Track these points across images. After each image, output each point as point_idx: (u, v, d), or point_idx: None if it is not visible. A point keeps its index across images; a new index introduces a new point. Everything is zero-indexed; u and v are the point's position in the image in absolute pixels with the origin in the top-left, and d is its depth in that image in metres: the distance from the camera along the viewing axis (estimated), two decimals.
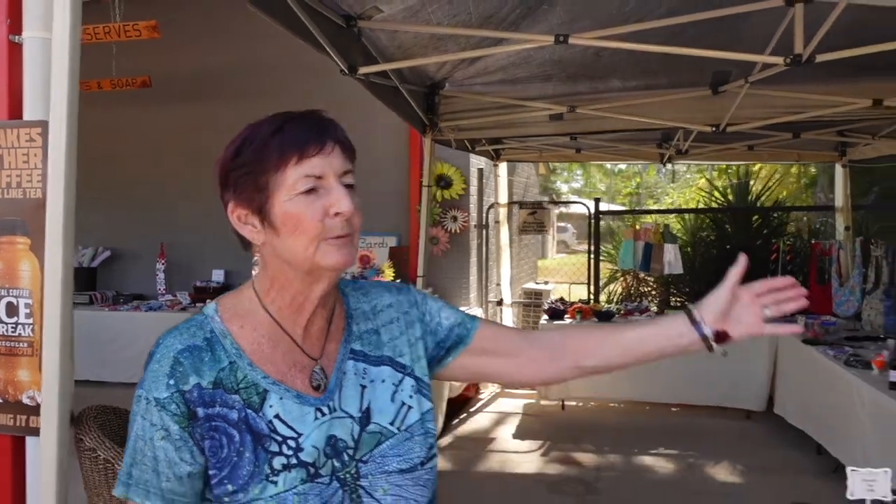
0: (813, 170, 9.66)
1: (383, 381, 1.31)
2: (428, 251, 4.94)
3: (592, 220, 8.19)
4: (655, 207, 16.97)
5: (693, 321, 1.41)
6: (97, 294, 8.84)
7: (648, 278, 8.65)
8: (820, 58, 2.88)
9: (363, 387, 1.29)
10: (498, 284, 8.51)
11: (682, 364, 6.96)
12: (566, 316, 7.60)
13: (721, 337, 1.39)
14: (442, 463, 5.91)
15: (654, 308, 8.16)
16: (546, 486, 5.44)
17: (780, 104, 4.47)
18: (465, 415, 7.42)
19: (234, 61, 8.40)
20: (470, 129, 4.98)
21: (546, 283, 10.54)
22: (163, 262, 8.86)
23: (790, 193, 11.01)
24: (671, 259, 7.80)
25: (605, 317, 7.44)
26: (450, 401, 7.17)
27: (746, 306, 1.39)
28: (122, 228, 9.32)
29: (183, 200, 8.99)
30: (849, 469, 1.73)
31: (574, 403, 7.74)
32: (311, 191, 1.20)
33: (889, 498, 1.70)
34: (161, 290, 8.80)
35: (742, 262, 1.41)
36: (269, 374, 1.23)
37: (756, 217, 8.12)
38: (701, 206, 9.37)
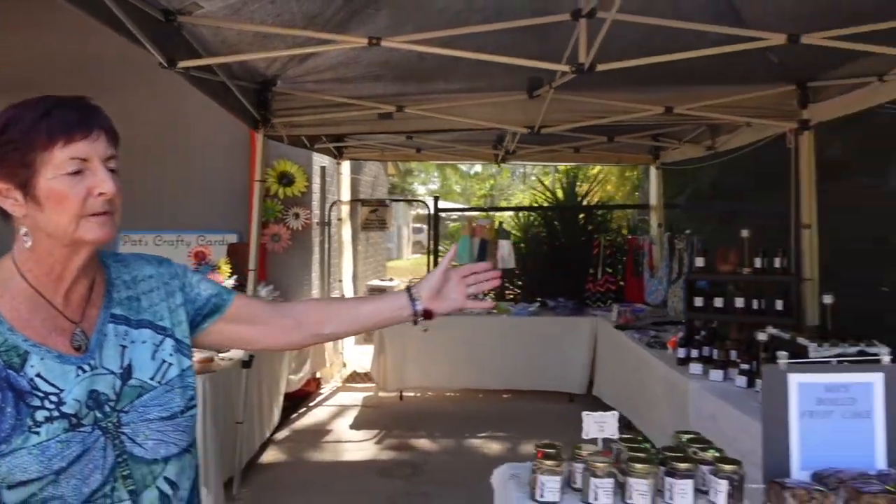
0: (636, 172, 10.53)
1: (144, 341, 1.47)
2: (257, 245, 4.99)
3: (432, 218, 8.51)
4: (504, 206, 17.65)
5: (411, 298, 1.71)
6: None
7: None
8: (601, 67, 3.26)
9: (124, 346, 1.44)
10: (340, 281, 8.64)
11: (513, 353, 7.48)
12: None
13: (427, 314, 1.73)
14: (276, 455, 6.05)
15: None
16: (377, 470, 5.67)
17: (587, 109, 4.93)
18: (304, 409, 7.50)
19: (67, 53, 8.01)
20: (303, 125, 5.10)
21: (391, 279, 10.78)
22: None
23: (624, 194, 11.93)
24: (505, 255, 8.26)
25: None
26: (289, 395, 7.23)
27: (455, 286, 1.71)
28: None
29: None
30: (584, 413, 2.04)
31: (412, 394, 8.03)
32: (76, 172, 1.33)
33: (616, 436, 2.02)
34: None
35: (453, 249, 1.74)
36: (30, 338, 1.36)
37: (581, 214, 8.77)
38: (536, 204, 9.93)
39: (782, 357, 2.17)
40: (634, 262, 7.98)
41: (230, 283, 6.61)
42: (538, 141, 7.07)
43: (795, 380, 2.15)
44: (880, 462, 2.13)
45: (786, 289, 4.91)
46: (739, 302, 5.09)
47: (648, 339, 5.92)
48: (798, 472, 2.12)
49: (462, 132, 6.76)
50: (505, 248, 8.25)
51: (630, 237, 8.04)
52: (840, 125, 4.70)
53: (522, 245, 8.98)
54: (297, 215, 8.19)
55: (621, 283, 8.11)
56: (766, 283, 5.05)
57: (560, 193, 9.27)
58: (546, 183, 9.87)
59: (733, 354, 4.68)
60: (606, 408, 6.71)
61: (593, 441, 2.04)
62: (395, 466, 5.80)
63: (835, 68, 4.40)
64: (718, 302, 5.23)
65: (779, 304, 4.91)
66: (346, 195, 8.56)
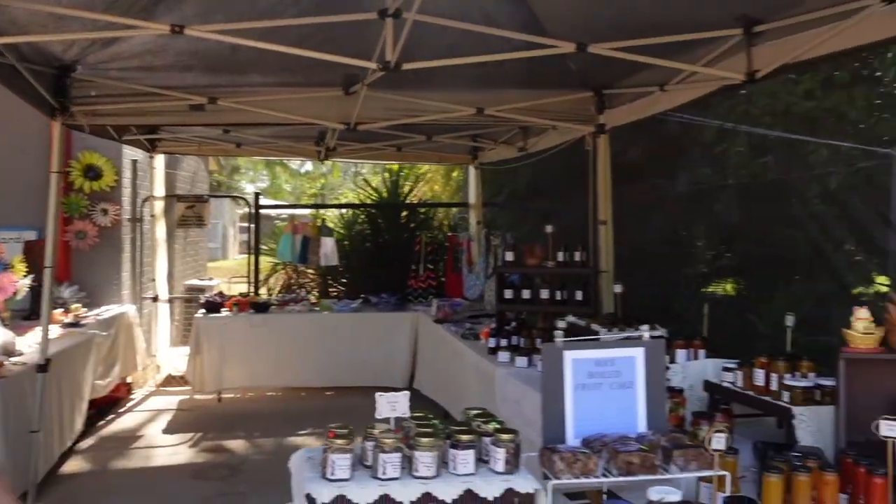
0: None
1: None
2: (55, 242, 4.68)
3: (253, 215, 8.34)
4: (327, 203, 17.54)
5: None
6: None
7: (308, 270, 9.04)
8: (408, 66, 3.39)
9: None
10: (153, 280, 8.24)
11: (336, 350, 7.50)
12: (223, 309, 7.66)
13: None
14: (79, 465, 5.71)
15: (312, 298, 8.57)
16: (191, 473, 5.50)
17: (402, 107, 5.06)
18: (112, 416, 7.10)
19: None
20: (106, 115, 4.84)
21: (210, 279, 10.43)
22: None
23: (450, 193, 12.24)
24: (328, 252, 8.27)
25: (261, 308, 7.64)
26: (95, 402, 6.81)
27: None
28: None
29: None
30: (377, 395, 2.13)
31: (232, 395, 7.83)
32: None
33: (407, 414, 2.13)
34: None
35: None
36: None
37: (405, 212, 8.95)
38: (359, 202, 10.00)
39: (558, 336, 2.37)
40: (454, 259, 8.26)
41: (26, 282, 6.14)
42: (359, 138, 7.13)
43: (570, 356, 2.36)
44: (641, 426, 2.39)
45: (585, 280, 5.31)
46: (545, 293, 5.44)
47: (464, 331, 6.16)
48: (572, 439, 2.34)
49: (283, 128, 6.69)
50: (328, 246, 8.26)
51: (450, 234, 8.31)
52: (632, 130, 5.14)
53: (346, 242, 9.01)
54: (105, 211, 7.73)
55: (442, 279, 8.36)
56: (567, 276, 5.43)
57: (384, 192, 9.39)
58: (375, 182, 9.99)
59: (539, 342, 5.00)
60: (427, 401, 6.99)
61: (387, 420, 2.13)
62: (210, 469, 5.64)
63: (625, 78, 4.81)
64: (526, 294, 5.56)
65: (579, 295, 5.30)
66: (160, 190, 8.18)
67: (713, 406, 2.93)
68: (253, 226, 8.48)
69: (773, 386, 2.86)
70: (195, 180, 12.34)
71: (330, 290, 9.03)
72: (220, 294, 8.25)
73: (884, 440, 2.14)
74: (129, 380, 7.88)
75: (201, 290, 9.41)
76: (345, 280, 8.93)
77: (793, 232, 4.94)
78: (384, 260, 8.67)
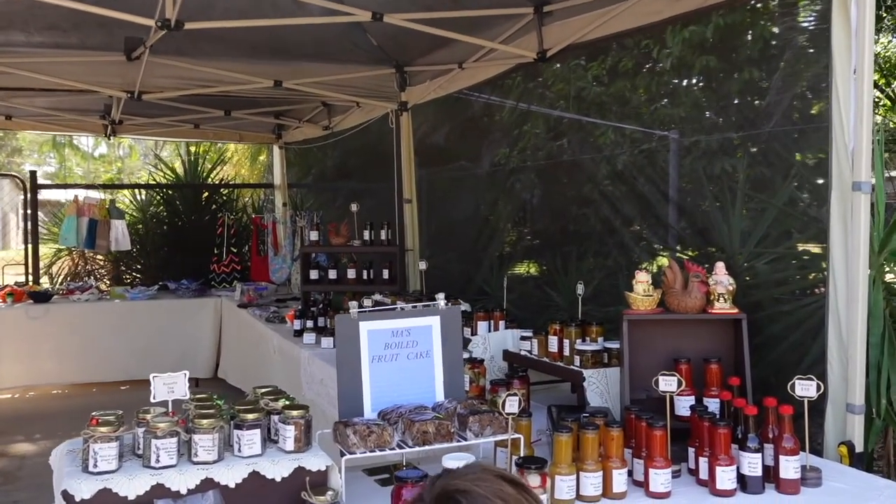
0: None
1: None
2: None
3: (29, 199, 7.51)
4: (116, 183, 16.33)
5: None
6: None
7: (98, 256, 8.31)
8: (191, 25, 3.14)
9: None
10: None
11: (131, 341, 6.95)
12: None
13: None
14: None
15: (103, 287, 7.89)
16: None
17: (193, 76, 4.73)
18: None
19: None
20: None
21: None
22: None
23: (259, 176, 11.73)
24: (119, 236, 7.63)
25: (42, 297, 6.91)
26: None
27: None
28: None
29: None
30: (151, 376, 1.93)
31: (8, 395, 7.03)
32: None
33: (186, 396, 1.96)
34: None
35: None
36: None
37: (206, 194, 8.45)
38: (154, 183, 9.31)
39: (353, 307, 2.29)
40: (259, 242, 7.94)
41: None
42: (148, 112, 6.62)
43: (365, 327, 2.29)
44: (439, 395, 2.37)
45: (391, 259, 5.28)
46: (352, 273, 5.35)
47: (269, 315, 5.93)
48: (370, 412, 2.27)
49: (62, 98, 6.04)
50: (119, 229, 7.62)
51: (254, 217, 7.97)
52: (437, 109, 5.16)
53: (141, 226, 8.37)
54: None
55: (248, 263, 8.01)
56: (374, 255, 5.38)
57: (180, 171, 8.81)
58: (174, 163, 9.34)
59: None
60: (233, 389, 6.66)
61: (164, 404, 1.94)
62: None
63: (426, 54, 4.81)
64: (333, 274, 5.45)
65: (385, 274, 5.26)
66: None
67: (512, 374, 2.98)
68: (30, 210, 7.62)
69: (566, 352, 2.96)
70: None
71: (125, 277, 8.34)
72: None
73: (662, 395, 2.26)
74: None
75: None
76: (140, 266, 8.29)
77: (586, 210, 5.16)
78: (184, 244, 8.14)
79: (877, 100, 6.68)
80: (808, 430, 2.18)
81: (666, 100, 4.98)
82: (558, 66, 4.16)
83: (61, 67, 4.44)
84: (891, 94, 7.04)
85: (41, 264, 8.05)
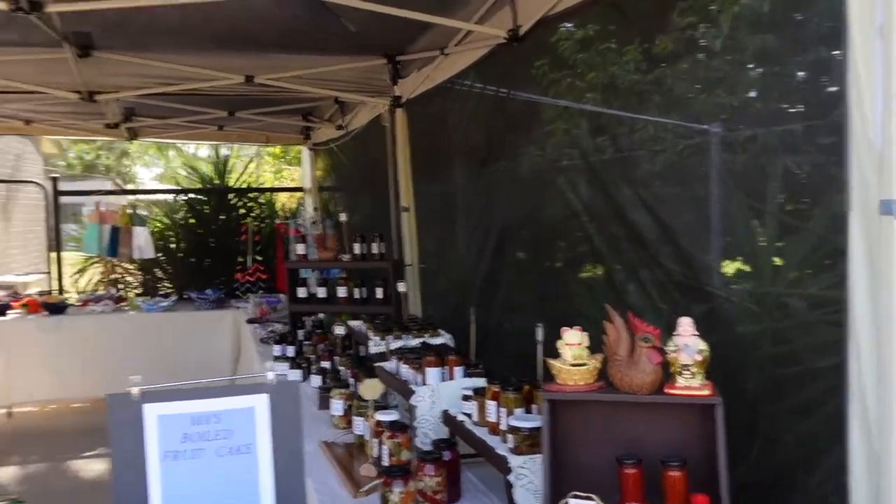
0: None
1: None
2: None
3: (51, 204, 7.31)
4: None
5: None
6: None
7: (128, 264, 8.05)
8: (55, 8, 2.58)
9: None
10: None
11: (145, 354, 6.58)
12: (8, 311, 6.65)
13: None
14: None
15: (131, 295, 7.62)
16: None
17: (151, 73, 4.23)
18: None
19: None
20: None
21: (27, 273, 9.30)
22: None
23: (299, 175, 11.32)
24: (141, 243, 7.32)
25: (56, 309, 6.66)
26: None
27: None
28: None
29: None
30: None
31: (28, 409, 6.83)
32: None
33: None
34: None
35: None
36: None
37: (234, 199, 8.04)
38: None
39: (136, 380, 1.65)
40: (287, 249, 7.45)
41: None
42: (157, 113, 6.24)
43: (152, 411, 1.64)
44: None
45: (385, 275, 4.62)
46: (342, 291, 4.73)
47: (265, 335, 5.41)
48: None
49: (59, 102, 5.70)
50: (141, 236, 7.30)
51: (278, 223, 7.50)
52: (425, 102, 4.46)
53: (170, 232, 8.06)
54: None
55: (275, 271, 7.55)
56: (367, 271, 4.74)
57: (214, 176, 8.43)
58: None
59: (321, 349, 4.30)
60: None
61: None
62: None
63: (413, 41, 4.13)
64: (322, 292, 4.85)
65: (379, 293, 4.61)
66: None
67: (428, 454, 2.26)
68: (50, 217, 7.42)
69: (503, 425, 2.23)
70: (19, 164, 11.07)
71: (156, 286, 8.05)
72: (14, 293, 7.20)
73: None
74: None
75: (10, 287, 8.28)
76: (168, 274, 7.96)
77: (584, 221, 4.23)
78: (211, 251, 7.76)
79: None
80: None
81: (714, 88, 4.08)
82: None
83: (7, 67, 4.01)
84: None
85: (72, 272, 7.87)
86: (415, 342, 3.50)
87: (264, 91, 4.61)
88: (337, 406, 3.14)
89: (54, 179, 7.39)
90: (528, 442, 2.09)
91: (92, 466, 5.50)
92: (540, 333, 2.49)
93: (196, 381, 1.74)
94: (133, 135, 6.99)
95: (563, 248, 4.01)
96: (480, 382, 2.58)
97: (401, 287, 3.97)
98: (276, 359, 4.45)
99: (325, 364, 4.03)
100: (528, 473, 2.04)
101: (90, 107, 5.94)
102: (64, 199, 8.06)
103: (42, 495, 4.88)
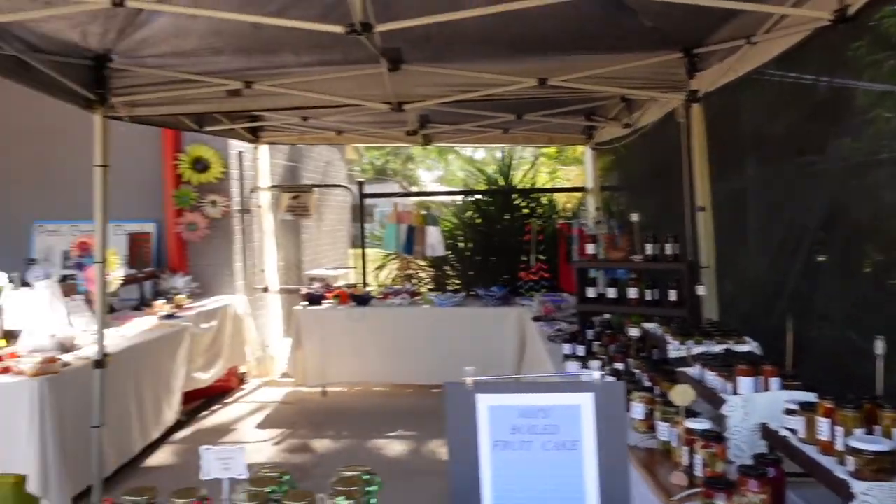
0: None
1: None
2: (103, 235, 4.59)
3: (357, 206, 8.08)
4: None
5: None
6: None
7: (421, 261, 8.66)
8: (382, 27, 2.83)
9: None
10: (263, 270, 8.24)
11: (439, 346, 7.03)
12: (324, 301, 7.48)
13: None
14: (165, 457, 5.69)
15: (423, 290, 8.19)
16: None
17: (452, 82, 4.47)
18: (218, 406, 7.14)
19: None
20: (146, 104, 4.67)
21: (336, 268, 10.38)
22: None
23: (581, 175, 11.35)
24: (433, 242, 7.84)
25: (362, 301, 7.36)
26: (201, 393, 6.88)
27: None
28: None
29: None
30: (202, 448, 1.63)
31: (339, 389, 7.63)
32: None
33: (245, 475, 1.62)
34: None
35: None
36: None
37: (519, 199, 8.28)
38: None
39: (470, 371, 1.74)
40: (569, 249, 7.52)
41: (119, 274, 6.26)
42: (447, 120, 6.63)
43: (484, 401, 1.72)
44: (591, 502, 1.70)
45: (678, 277, 4.45)
46: (633, 292, 4.64)
47: (552, 333, 5.49)
48: None
49: (363, 112, 6.28)
50: (434, 236, 7.82)
51: (561, 223, 7.57)
52: (730, 95, 4.21)
53: (458, 232, 8.52)
54: (214, 203, 7.80)
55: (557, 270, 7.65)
56: (659, 272, 4.60)
57: (498, 177, 8.76)
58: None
59: (612, 350, 4.26)
60: None
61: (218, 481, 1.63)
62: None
63: (713, 32, 3.92)
64: (611, 293, 4.80)
65: (672, 295, 4.46)
66: (265, 181, 8.13)
67: (750, 469, 2.11)
68: (356, 219, 8.19)
69: (839, 445, 2.02)
70: (328, 170, 12.41)
71: (446, 282, 8.58)
72: (327, 285, 8.08)
73: None
74: (242, 370, 7.95)
75: (322, 280, 9.33)
76: (456, 271, 8.43)
77: None
78: (496, 250, 8.08)
79: None
80: None
81: None
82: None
83: (325, 84, 4.51)
84: None
85: (372, 267, 8.64)
86: (718, 348, 3.34)
87: (552, 93, 4.66)
88: (637, 409, 3.08)
89: (360, 183, 8.17)
90: (872, 466, 1.87)
91: (393, 446, 5.97)
92: (880, 347, 2.23)
93: (520, 376, 1.79)
94: (427, 140, 7.49)
95: (882, 251, 3.56)
96: (806, 396, 2.37)
97: (700, 290, 3.79)
98: (566, 357, 4.50)
99: (619, 365, 3.98)
100: (875, 502, 1.83)
101: (393, 116, 6.48)
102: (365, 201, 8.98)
103: (330, 469, 5.40)
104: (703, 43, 4.11)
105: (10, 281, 5.09)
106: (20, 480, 4.32)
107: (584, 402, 1.70)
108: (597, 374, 1.72)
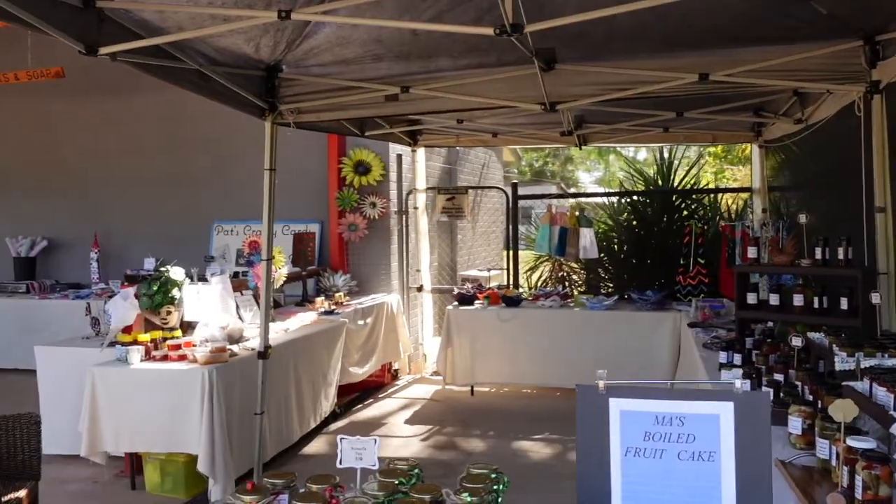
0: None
1: None
2: (269, 236, 4.90)
3: (510, 208, 8.11)
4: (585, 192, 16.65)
5: None
6: (34, 283, 8.96)
7: (574, 263, 8.55)
8: (532, 27, 2.81)
9: None
10: (418, 270, 8.46)
11: (589, 349, 6.92)
12: (475, 301, 7.56)
13: None
14: (321, 446, 6.00)
15: (576, 292, 8.08)
16: None
17: (608, 81, 4.37)
18: (371, 400, 7.41)
19: None
20: (308, 111, 4.93)
21: (489, 270, 10.48)
22: (96, 251, 8.94)
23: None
24: (587, 244, 7.71)
25: (512, 302, 7.38)
26: (356, 387, 7.18)
27: None
28: (59, 218, 9.47)
29: (116, 190, 9.17)
30: (339, 437, 1.70)
31: (487, 389, 7.70)
32: None
33: (376, 466, 1.67)
34: (94, 279, 8.88)
35: None
36: None
37: (676, 199, 7.96)
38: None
39: (602, 374, 1.70)
40: (730, 252, 7.14)
41: (284, 271, 6.65)
42: (602, 119, 6.50)
43: (616, 406, 1.68)
44: None
45: (852, 285, 4.10)
46: (798, 299, 4.33)
47: (708, 340, 5.23)
48: None
49: (517, 114, 6.30)
50: (587, 237, 7.70)
51: (723, 225, 7.19)
52: None
53: (613, 234, 8.33)
54: (373, 204, 8.12)
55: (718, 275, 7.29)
56: (829, 278, 4.26)
57: (658, 178, 8.46)
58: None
59: (772, 360, 3.99)
60: None
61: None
62: (428, 466, 5.49)
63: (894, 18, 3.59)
64: (774, 299, 4.50)
65: (843, 303, 4.12)
66: (421, 183, 8.35)
67: None
68: (508, 220, 8.22)
69: None
70: (485, 173, 12.55)
71: (599, 285, 8.42)
72: (479, 286, 8.17)
73: None
74: (395, 366, 8.22)
75: (475, 280, 9.46)
76: (607, 274, 8.25)
77: None
78: (653, 253, 7.82)
79: None
80: None
81: None
82: None
83: (480, 87, 4.56)
84: None
85: (524, 269, 8.64)
86: (891, 362, 3.05)
87: (715, 88, 4.44)
88: (795, 424, 2.87)
89: (514, 185, 8.20)
90: None
91: (538, 448, 5.93)
92: None
93: (656, 382, 1.73)
94: (583, 141, 7.38)
95: None
96: None
97: (875, 298, 3.48)
98: (722, 366, 4.27)
99: (779, 376, 3.73)
100: None
101: (547, 117, 6.47)
102: (520, 203, 9.01)
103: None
104: (887, 29, 3.77)
105: (188, 276, 5.55)
106: (191, 460, 4.71)
107: (724, 412, 1.61)
108: (738, 384, 1.62)
